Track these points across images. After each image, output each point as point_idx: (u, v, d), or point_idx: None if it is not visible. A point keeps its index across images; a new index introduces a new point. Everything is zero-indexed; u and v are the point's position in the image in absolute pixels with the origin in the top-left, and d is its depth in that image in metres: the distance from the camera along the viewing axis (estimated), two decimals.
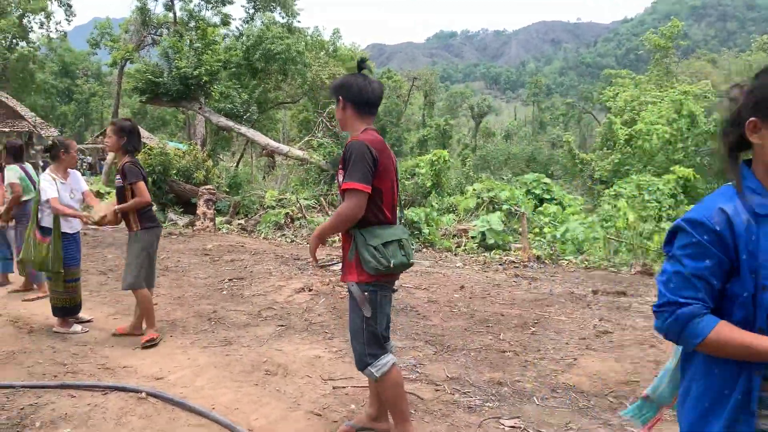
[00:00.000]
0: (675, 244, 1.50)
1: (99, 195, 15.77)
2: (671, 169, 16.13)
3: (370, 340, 2.86)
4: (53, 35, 42.84)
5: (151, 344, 4.56)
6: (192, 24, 30.01)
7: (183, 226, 12.89)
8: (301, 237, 11.86)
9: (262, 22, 29.39)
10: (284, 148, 20.98)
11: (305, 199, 15.00)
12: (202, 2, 32.01)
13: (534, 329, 5.10)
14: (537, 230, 12.03)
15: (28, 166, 6.37)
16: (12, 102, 27.60)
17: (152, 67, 21.06)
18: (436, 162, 16.12)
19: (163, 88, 19.94)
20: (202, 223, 12.36)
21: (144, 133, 32.40)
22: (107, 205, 4.77)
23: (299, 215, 13.34)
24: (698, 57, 60.10)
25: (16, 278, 6.72)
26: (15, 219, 6.15)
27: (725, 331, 1.39)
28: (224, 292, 6.53)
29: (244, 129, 20.99)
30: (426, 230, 11.29)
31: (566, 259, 9.61)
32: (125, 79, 34.97)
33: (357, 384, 3.81)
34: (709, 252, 1.41)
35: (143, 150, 13.61)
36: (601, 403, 3.63)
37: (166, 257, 8.57)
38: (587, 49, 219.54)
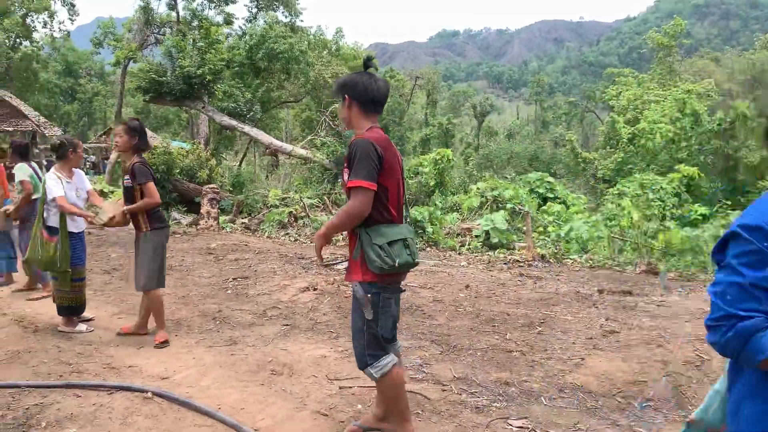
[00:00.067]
0: (729, 252, 1.40)
1: (102, 194, 15.79)
2: (676, 168, 16.10)
3: (370, 341, 2.85)
4: (56, 35, 42.83)
5: (164, 345, 4.55)
6: (195, 23, 29.99)
7: (187, 225, 12.89)
8: (305, 236, 11.85)
9: (265, 21, 29.37)
10: (287, 147, 20.98)
11: (309, 197, 15.00)
12: (205, 1, 32.00)
13: (540, 329, 5.08)
14: (541, 229, 12.00)
15: (35, 165, 6.37)
16: (15, 101, 27.61)
17: (156, 67, 21.07)
18: (439, 161, 16.10)
19: (167, 87, 19.95)
20: (206, 222, 12.36)
21: (147, 132, 32.32)
22: (115, 206, 4.72)
23: (303, 214, 13.33)
24: (701, 56, 59.90)
25: (19, 277, 6.73)
26: (22, 218, 6.12)
27: None
28: (229, 292, 6.52)
29: (247, 128, 20.99)
30: (430, 229, 11.28)
31: (571, 258, 9.58)
32: (128, 78, 34.97)
33: (363, 384, 3.78)
34: None
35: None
36: (609, 403, 3.61)
37: (170, 256, 8.55)
38: (590, 48, 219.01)
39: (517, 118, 73.69)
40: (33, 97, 40.70)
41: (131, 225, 4.71)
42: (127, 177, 4.57)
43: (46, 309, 5.42)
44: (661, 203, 14.19)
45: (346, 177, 2.82)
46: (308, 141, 22.53)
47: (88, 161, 33.49)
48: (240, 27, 32.67)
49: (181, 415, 3.38)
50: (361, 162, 2.70)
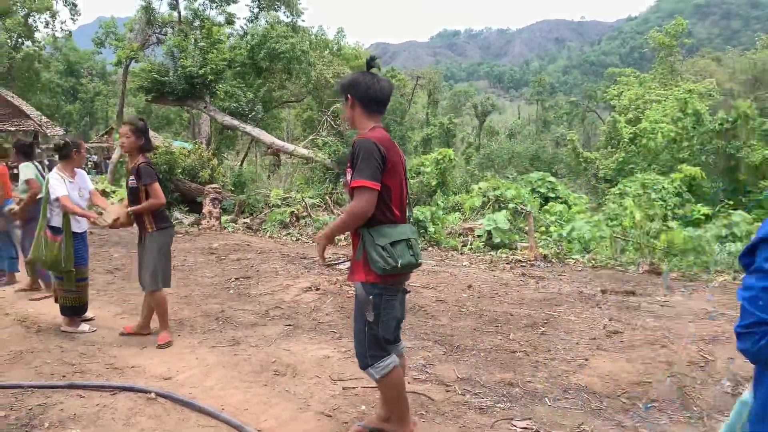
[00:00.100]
0: (760, 256, 1.35)
1: (104, 194, 15.79)
2: (679, 168, 16.07)
3: (371, 342, 2.85)
4: (58, 34, 42.84)
5: (167, 346, 4.55)
6: (197, 23, 30.00)
7: (189, 225, 12.88)
8: (307, 235, 11.84)
9: (267, 21, 29.36)
10: (289, 146, 20.98)
11: (310, 197, 14.98)
12: (207, 1, 32.00)
13: (544, 329, 5.07)
14: (543, 229, 11.98)
15: (38, 165, 6.35)
16: (17, 101, 27.65)
17: (158, 66, 21.08)
18: (441, 161, 16.07)
19: (169, 87, 19.96)
20: (208, 221, 12.35)
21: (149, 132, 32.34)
22: (119, 207, 4.71)
23: (304, 214, 13.32)
24: (702, 55, 59.84)
25: (21, 277, 6.72)
26: (26, 217, 6.10)
27: None
28: (231, 292, 6.51)
29: (249, 128, 20.99)
30: (432, 229, 11.26)
31: (573, 258, 9.56)
32: (130, 78, 34.99)
33: (367, 384, 3.77)
34: None
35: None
36: (613, 404, 3.59)
37: (173, 256, 8.51)
38: (591, 48, 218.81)
39: (519, 118, 73.68)
40: (35, 97, 40.74)
41: (134, 225, 4.70)
42: (132, 177, 4.55)
43: (48, 309, 5.41)
44: (662, 203, 14.17)
45: (349, 177, 2.81)
46: (310, 141, 22.54)
47: (90, 161, 33.49)
48: (241, 27, 32.68)
49: (185, 415, 3.37)
50: (365, 162, 2.69)
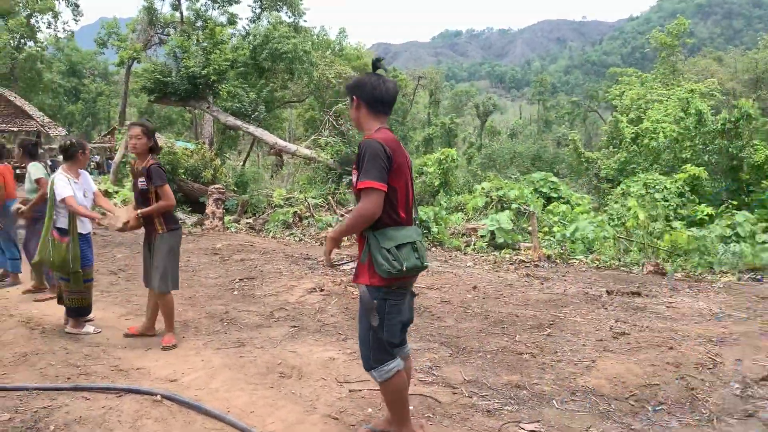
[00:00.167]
0: None
1: (107, 194, 15.79)
2: (683, 168, 16.03)
3: (375, 346, 2.84)
4: (61, 35, 43.00)
5: (172, 347, 4.53)
6: (199, 23, 30.03)
7: (191, 225, 12.87)
8: (310, 236, 11.83)
9: (269, 21, 29.38)
10: (292, 147, 20.98)
11: (313, 197, 14.97)
12: (209, 2, 32.03)
13: (550, 330, 5.05)
14: (546, 229, 11.96)
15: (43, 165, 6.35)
16: (20, 101, 27.69)
17: (160, 67, 21.10)
18: (444, 161, 16.07)
19: (172, 87, 19.98)
20: (211, 222, 12.34)
21: None
22: (127, 210, 4.67)
23: (307, 214, 13.31)
24: (704, 55, 59.80)
25: (23, 278, 6.70)
26: (33, 218, 6.07)
27: None
28: (235, 293, 6.50)
29: (252, 128, 21.00)
30: (435, 229, 11.24)
31: (577, 259, 9.54)
32: (132, 78, 35.06)
33: (373, 387, 3.75)
34: None
35: None
36: (622, 406, 3.57)
37: None
38: (593, 48, 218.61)
39: (520, 118, 73.58)
40: (37, 97, 40.83)
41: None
42: (142, 179, 4.51)
43: (53, 310, 5.39)
44: (665, 203, 14.14)
45: (355, 178, 2.79)
46: (312, 141, 22.54)
47: (92, 161, 33.53)
48: (243, 27, 32.72)
49: (191, 418, 3.35)
50: (371, 163, 2.67)
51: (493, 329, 5.11)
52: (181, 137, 36.61)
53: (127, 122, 25.38)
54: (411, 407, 3.46)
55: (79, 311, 4.91)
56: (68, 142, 4.94)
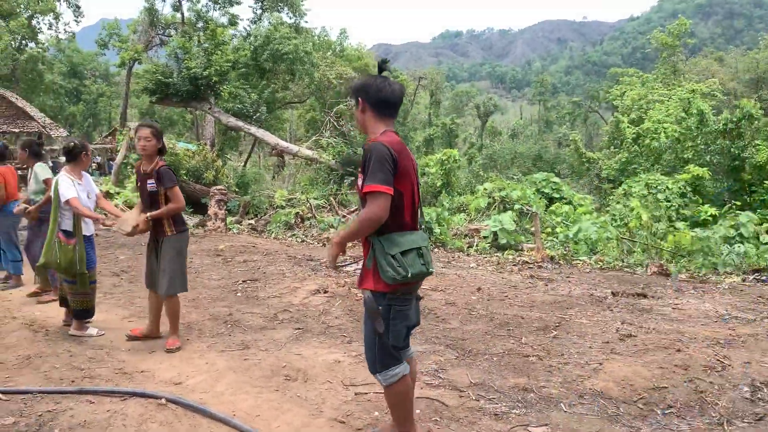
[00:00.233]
0: None
1: (109, 195, 15.77)
2: (686, 168, 16.00)
3: (381, 351, 2.82)
4: (62, 36, 42.98)
5: (176, 350, 4.50)
6: (200, 24, 30.03)
7: (193, 227, 12.85)
8: (312, 237, 11.80)
9: (270, 22, 29.38)
10: (293, 147, 20.96)
11: (315, 198, 14.95)
12: (210, 3, 32.03)
13: (556, 332, 5.01)
14: (549, 230, 11.93)
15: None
16: (21, 103, 27.66)
17: (162, 68, 21.09)
18: (446, 161, 16.04)
19: (173, 88, 19.97)
20: (214, 223, 12.32)
21: None
22: (135, 214, 4.60)
23: (309, 215, 13.29)
24: (705, 55, 59.80)
25: (25, 280, 6.67)
26: (38, 219, 6.04)
27: None
28: (239, 294, 6.47)
29: (253, 129, 20.99)
30: (437, 230, 11.21)
31: (580, 260, 9.51)
32: (133, 79, 35.08)
33: (379, 390, 3.71)
34: None
35: None
36: (630, 410, 3.54)
37: None
38: (593, 48, 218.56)
39: (521, 118, 73.57)
40: (38, 99, 40.83)
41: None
42: (151, 181, 4.46)
43: (56, 312, 5.36)
44: (667, 203, 14.11)
45: (360, 182, 2.75)
46: (313, 141, 22.52)
47: (93, 162, 33.53)
48: (244, 28, 32.72)
49: (196, 422, 3.32)
50: (376, 166, 2.63)
51: (498, 331, 5.08)
52: (182, 138, 36.61)
53: (130, 123, 25.41)
54: (417, 411, 3.44)
55: (83, 313, 4.88)
56: (72, 143, 4.91)
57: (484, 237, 11.08)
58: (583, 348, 4.60)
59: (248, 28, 32.26)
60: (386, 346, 2.81)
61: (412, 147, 41.58)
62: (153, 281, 4.64)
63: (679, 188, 15.03)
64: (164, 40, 33.12)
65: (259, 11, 32.89)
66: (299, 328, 5.18)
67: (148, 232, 4.61)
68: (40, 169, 5.99)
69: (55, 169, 6.08)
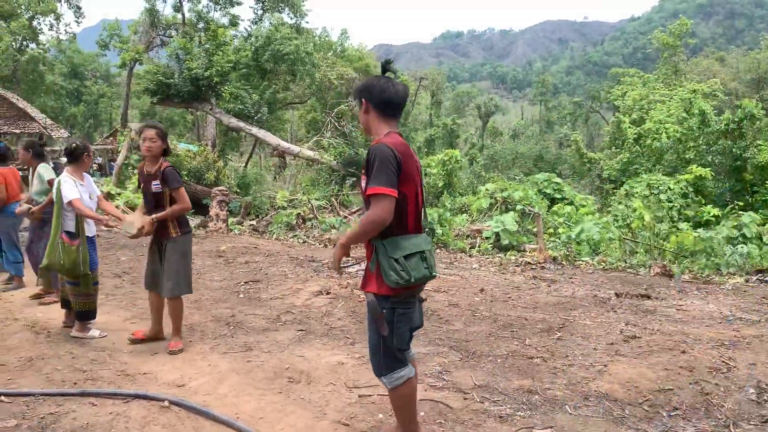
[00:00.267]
0: None
1: (110, 196, 15.76)
2: (689, 169, 15.97)
3: (386, 354, 2.81)
4: (62, 37, 42.99)
5: (179, 352, 4.48)
6: (201, 25, 30.03)
7: (195, 228, 12.84)
8: (314, 237, 11.78)
9: (271, 23, 29.38)
10: (295, 148, 20.94)
11: (316, 199, 14.93)
12: (211, 3, 32.04)
13: (560, 334, 4.99)
14: (551, 231, 11.90)
15: None
16: (22, 103, 27.65)
17: (163, 69, 21.08)
18: (447, 162, 16.01)
19: (174, 89, 19.96)
20: (215, 224, 12.30)
21: None
22: (138, 216, 4.56)
23: (311, 216, 13.27)
24: (706, 55, 59.79)
25: (26, 281, 6.66)
26: (41, 220, 6.01)
27: None
28: (241, 296, 6.45)
29: (255, 129, 20.98)
30: (439, 231, 11.19)
31: (583, 261, 9.48)
32: (134, 80, 35.08)
33: (383, 392, 3.69)
34: None
35: None
36: (636, 412, 3.52)
37: None
38: (594, 48, 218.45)
39: (522, 119, 73.57)
40: (39, 99, 40.84)
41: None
42: (156, 182, 4.42)
43: (58, 314, 5.35)
44: (670, 204, 14.08)
45: (363, 184, 2.73)
46: (314, 142, 22.51)
47: (94, 163, 33.53)
48: (245, 29, 32.72)
49: (199, 424, 3.31)
50: (380, 168, 2.60)
51: (502, 333, 5.06)
52: (183, 139, 36.62)
53: (131, 124, 25.38)
54: (422, 413, 3.42)
55: (86, 315, 4.86)
56: (74, 144, 4.90)
57: (487, 238, 11.05)
58: (587, 350, 4.58)
59: (249, 29, 32.28)
60: (391, 349, 2.80)
61: (413, 148, 41.44)
62: (154, 283, 4.60)
63: (681, 188, 14.99)
64: (165, 41, 33.14)
65: (260, 12, 32.91)
66: (302, 330, 5.16)
67: (154, 234, 4.58)
68: (44, 170, 5.97)
69: (56, 170, 6.05)
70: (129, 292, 6.54)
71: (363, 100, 2.83)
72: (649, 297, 6.43)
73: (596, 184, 22.86)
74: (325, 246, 10.81)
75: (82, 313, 4.83)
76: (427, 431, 3.23)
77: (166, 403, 3.52)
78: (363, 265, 3.18)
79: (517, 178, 21.26)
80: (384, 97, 2.77)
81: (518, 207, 12.72)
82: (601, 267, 8.97)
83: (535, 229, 10.77)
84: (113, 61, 44.43)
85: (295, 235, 12.09)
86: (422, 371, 4.05)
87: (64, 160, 5.15)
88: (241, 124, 20.81)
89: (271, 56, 24.10)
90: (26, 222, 6.65)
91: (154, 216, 4.41)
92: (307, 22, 32.62)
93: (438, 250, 10.53)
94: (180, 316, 4.63)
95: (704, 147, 18.21)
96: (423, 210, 2.93)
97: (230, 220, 13.41)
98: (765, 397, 3.66)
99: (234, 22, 32.16)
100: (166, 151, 4.54)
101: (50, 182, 5.89)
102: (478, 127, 64.21)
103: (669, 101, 25.33)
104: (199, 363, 4.29)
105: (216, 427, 3.28)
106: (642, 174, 18.01)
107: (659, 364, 4.19)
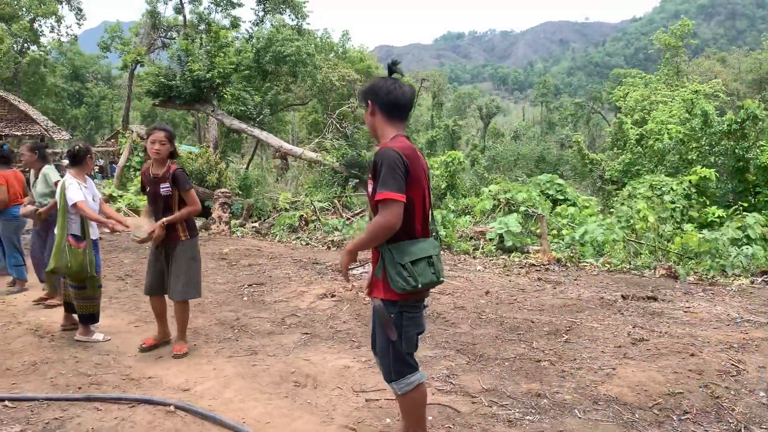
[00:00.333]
0: None
1: (112, 198, 15.76)
2: (693, 170, 15.93)
3: (396, 359, 2.78)
4: (64, 39, 42.91)
5: (183, 355, 4.45)
6: (202, 27, 30.03)
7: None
8: (316, 240, 11.75)
9: (272, 24, 29.38)
10: (297, 150, 20.91)
11: (319, 201, 14.90)
12: (212, 5, 32.04)
13: (567, 337, 4.95)
14: (555, 232, 11.85)
15: None
16: (23, 105, 27.62)
17: (165, 70, 21.07)
18: (450, 163, 15.97)
19: (176, 91, 19.93)
20: (218, 226, 12.27)
21: None
22: (145, 219, 4.51)
23: (314, 218, 13.24)
24: (708, 56, 59.78)
25: (28, 284, 6.63)
26: (46, 222, 5.98)
27: None
28: (245, 299, 6.41)
29: (257, 131, 20.95)
30: (443, 232, 11.15)
31: (587, 262, 9.43)
32: (136, 82, 35.09)
33: (390, 396, 3.67)
34: None
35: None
36: (646, 416, 3.48)
37: None
38: (595, 49, 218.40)
39: (523, 120, 73.56)
40: (41, 102, 40.83)
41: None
42: (165, 185, 4.36)
43: (61, 317, 5.32)
44: (673, 205, 14.03)
45: (370, 189, 2.69)
46: (316, 143, 22.49)
47: (96, 165, 33.56)
48: (247, 30, 32.70)
49: (205, 429, 3.28)
50: (388, 173, 2.56)
51: (509, 336, 5.02)
52: (184, 141, 36.61)
53: (132, 126, 25.36)
54: (430, 417, 3.38)
55: (89, 318, 4.83)
56: (77, 147, 4.87)
57: (490, 239, 11.00)
58: (595, 352, 4.55)
59: (250, 30, 32.26)
60: (400, 354, 2.77)
61: None
62: (160, 287, 4.55)
63: (684, 189, 14.95)
64: (166, 43, 33.13)
65: (261, 13, 32.88)
66: (307, 333, 5.12)
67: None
68: (50, 171, 5.94)
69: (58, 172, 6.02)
70: (132, 295, 6.51)
71: (369, 102, 2.79)
72: (655, 299, 6.39)
73: (598, 185, 22.82)
74: (329, 248, 10.78)
75: (84, 316, 4.80)
76: None
77: (172, 408, 3.49)
78: (367, 268, 3.15)
79: (519, 179, 21.21)
80: (390, 98, 2.73)
81: (521, 208, 12.67)
82: (606, 268, 8.93)
83: (538, 231, 10.73)
84: (114, 63, 44.41)
85: (298, 237, 12.06)
86: (429, 375, 4.02)
87: (65, 162, 5.11)
88: (243, 126, 20.79)
89: (273, 58, 24.10)
90: (30, 224, 6.63)
91: (164, 219, 4.36)
92: (309, 24, 32.61)
93: (442, 252, 10.46)
94: (186, 319, 4.60)
95: (707, 148, 18.17)
96: (430, 213, 2.89)
97: (232, 222, 13.38)
98: None
99: (235, 24, 32.15)
100: (173, 154, 4.49)
101: (57, 184, 5.86)
102: (479, 129, 64.13)
103: (671, 102, 25.31)
104: (204, 367, 4.26)
105: None
106: (644, 175, 17.97)
107: (668, 367, 4.16)
